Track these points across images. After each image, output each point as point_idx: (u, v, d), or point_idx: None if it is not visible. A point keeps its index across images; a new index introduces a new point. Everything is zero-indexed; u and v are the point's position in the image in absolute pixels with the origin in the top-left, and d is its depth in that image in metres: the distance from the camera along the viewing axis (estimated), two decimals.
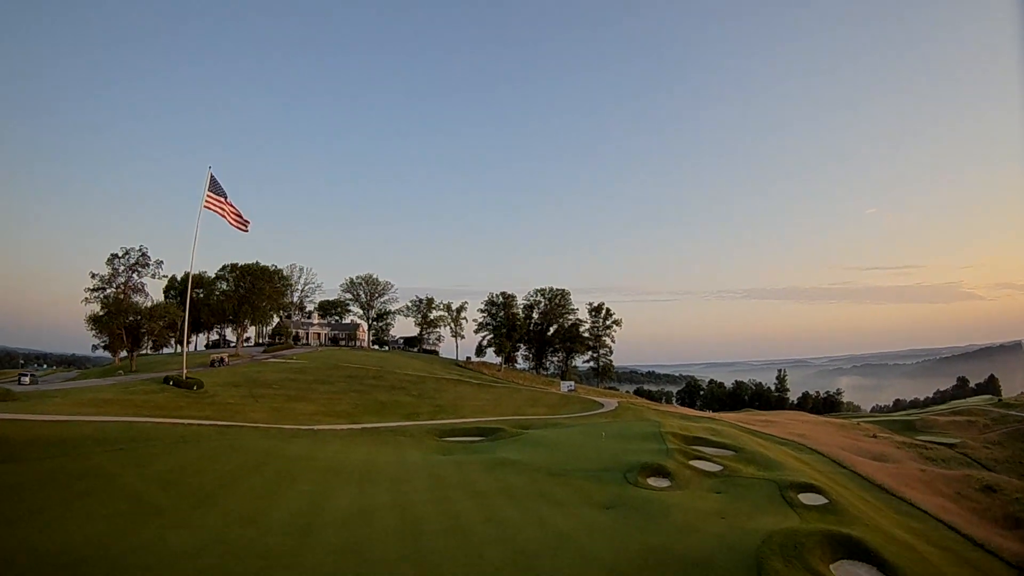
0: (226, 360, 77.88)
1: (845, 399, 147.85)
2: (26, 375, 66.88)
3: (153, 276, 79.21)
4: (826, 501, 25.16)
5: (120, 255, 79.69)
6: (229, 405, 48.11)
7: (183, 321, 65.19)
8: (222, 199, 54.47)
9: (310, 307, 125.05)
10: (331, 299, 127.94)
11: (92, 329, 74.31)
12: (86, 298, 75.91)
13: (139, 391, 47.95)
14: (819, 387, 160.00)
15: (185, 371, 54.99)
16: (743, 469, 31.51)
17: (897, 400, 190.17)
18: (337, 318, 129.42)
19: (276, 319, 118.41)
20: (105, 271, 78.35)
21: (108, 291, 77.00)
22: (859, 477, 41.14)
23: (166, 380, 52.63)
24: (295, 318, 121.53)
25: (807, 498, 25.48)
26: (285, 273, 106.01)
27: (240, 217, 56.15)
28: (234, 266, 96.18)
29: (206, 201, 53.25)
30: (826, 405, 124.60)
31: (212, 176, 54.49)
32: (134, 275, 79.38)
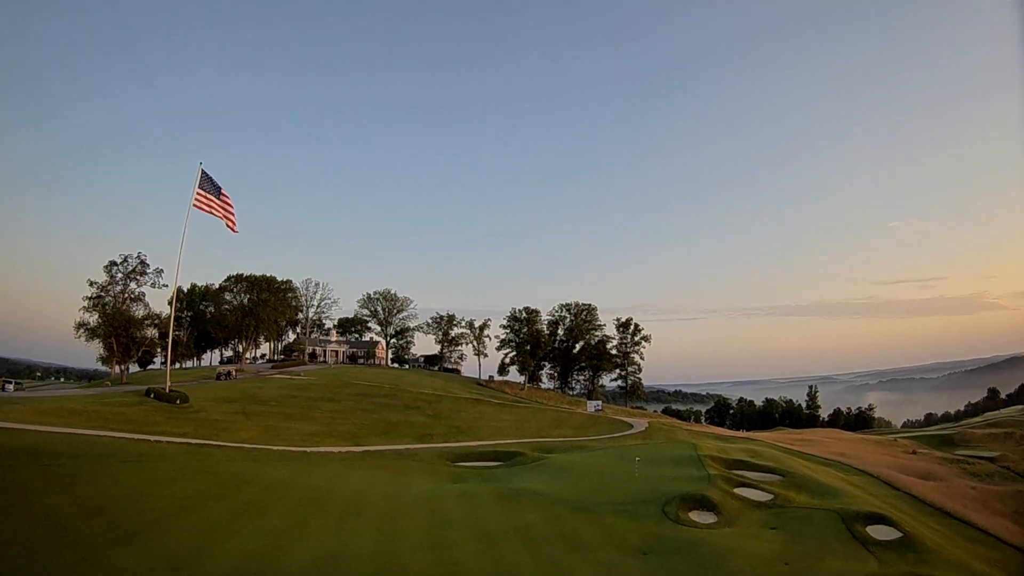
0: (233, 374, 76.19)
1: (875, 415, 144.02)
2: (10, 382, 66.79)
3: (153, 285, 76.89)
4: (900, 534, 22.43)
5: (119, 262, 77.46)
6: (215, 422, 45.49)
7: (183, 332, 63.90)
8: (214, 197, 51.31)
9: (328, 324, 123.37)
10: (350, 316, 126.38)
11: (82, 337, 72.34)
12: (84, 307, 74.23)
13: (115, 403, 45.50)
14: (848, 403, 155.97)
15: (168, 383, 52.17)
16: (796, 497, 28.57)
17: (928, 414, 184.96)
18: (356, 336, 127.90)
19: (292, 335, 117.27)
20: (103, 279, 76.92)
21: (106, 299, 75.47)
22: (914, 499, 38.41)
23: (148, 392, 49.81)
24: (313, 335, 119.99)
25: (877, 531, 22.63)
26: (300, 288, 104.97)
27: (232, 214, 53.08)
28: (239, 276, 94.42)
29: (196, 199, 49.83)
30: (858, 421, 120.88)
31: (203, 172, 50.86)
32: (132, 283, 76.82)
